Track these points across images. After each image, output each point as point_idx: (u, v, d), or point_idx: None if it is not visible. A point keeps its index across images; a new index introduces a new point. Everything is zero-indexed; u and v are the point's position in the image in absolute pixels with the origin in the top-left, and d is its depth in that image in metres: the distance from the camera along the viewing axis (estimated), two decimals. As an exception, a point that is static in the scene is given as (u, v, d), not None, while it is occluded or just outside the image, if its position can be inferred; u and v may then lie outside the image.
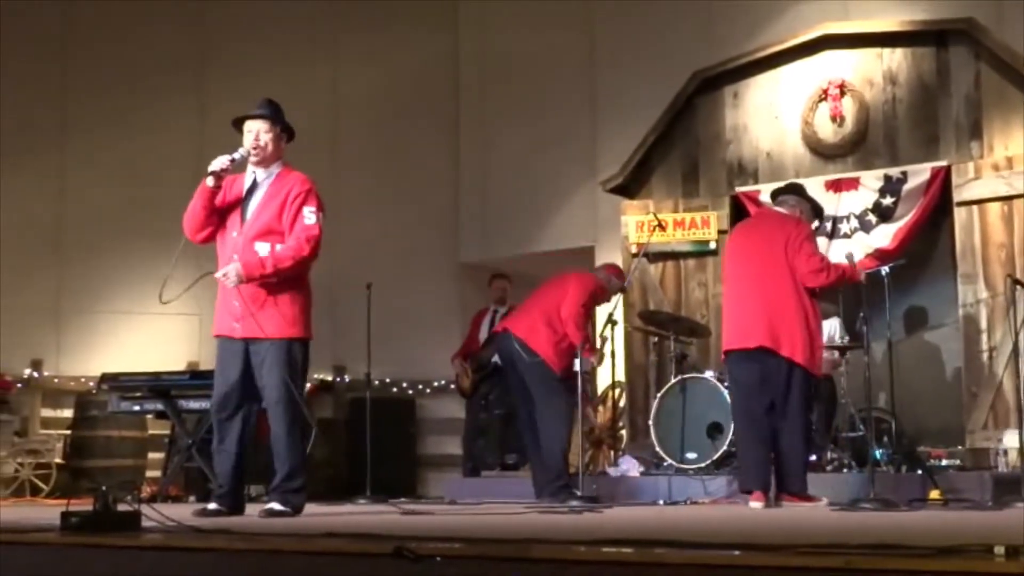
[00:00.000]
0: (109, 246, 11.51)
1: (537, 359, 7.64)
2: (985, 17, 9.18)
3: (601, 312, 8.40)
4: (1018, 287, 7.73)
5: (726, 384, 7.70)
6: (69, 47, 11.79)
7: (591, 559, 2.89)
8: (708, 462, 8.00)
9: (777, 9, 10.96)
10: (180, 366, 10.57)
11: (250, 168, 5.85)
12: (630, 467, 8.47)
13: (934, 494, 6.80)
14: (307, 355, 5.85)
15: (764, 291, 6.82)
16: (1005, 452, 8.19)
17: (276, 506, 5.62)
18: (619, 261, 10.27)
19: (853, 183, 9.24)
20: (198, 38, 12.28)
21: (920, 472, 7.38)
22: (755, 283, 6.87)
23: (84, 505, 4.17)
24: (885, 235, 9.04)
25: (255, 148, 5.78)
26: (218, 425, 5.81)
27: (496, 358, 8.67)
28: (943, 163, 8.98)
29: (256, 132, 5.80)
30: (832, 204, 9.15)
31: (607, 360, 8.74)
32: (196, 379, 8.74)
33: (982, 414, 8.54)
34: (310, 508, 5.84)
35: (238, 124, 5.89)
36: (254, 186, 5.82)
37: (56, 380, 11.34)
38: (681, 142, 10.09)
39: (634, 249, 9.86)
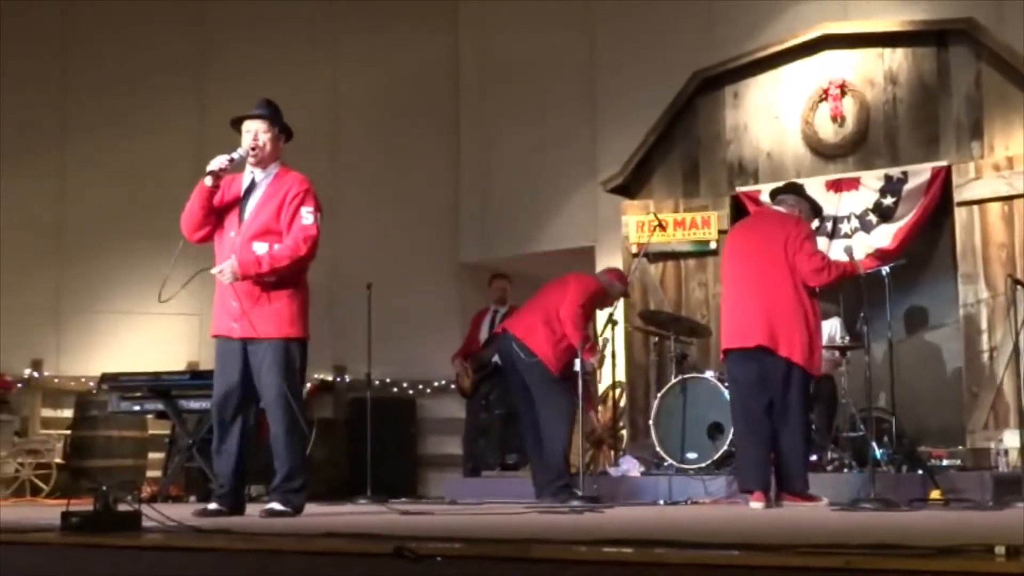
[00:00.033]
0: (109, 246, 11.51)
1: (535, 359, 7.64)
2: (985, 17, 9.18)
3: (602, 312, 8.39)
4: (1019, 287, 7.73)
5: (726, 384, 7.70)
6: (69, 47, 11.79)
7: (591, 559, 2.89)
8: (708, 462, 8.00)
9: (777, 9, 10.95)
10: (180, 366, 10.57)
11: (248, 168, 5.86)
12: (631, 467, 8.47)
13: (935, 494, 6.80)
14: (305, 355, 5.86)
15: (763, 290, 6.81)
16: (1006, 452, 8.19)
17: (277, 506, 5.62)
18: (619, 261, 10.28)
19: (854, 183, 9.24)
20: (198, 38, 12.28)
21: (921, 472, 7.38)
22: (754, 282, 6.87)
23: (84, 505, 4.17)
24: (886, 235, 9.04)
25: (253, 148, 5.78)
26: (218, 425, 5.82)
27: (496, 358, 8.66)
28: (944, 163, 8.98)
29: (254, 132, 5.80)
30: (833, 204, 9.15)
31: (608, 360, 8.73)
32: (196, 379, 8.74)
33: (983, 414, 8.54)
34: (310, 508, 5.84)
35: (236, 124, 5.89)
36: (252, 186, 5.83)
37: (56, 380, 11.34)
38: (681, 142, 10.09)
39: (634, 249, 9.87)
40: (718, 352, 7.89)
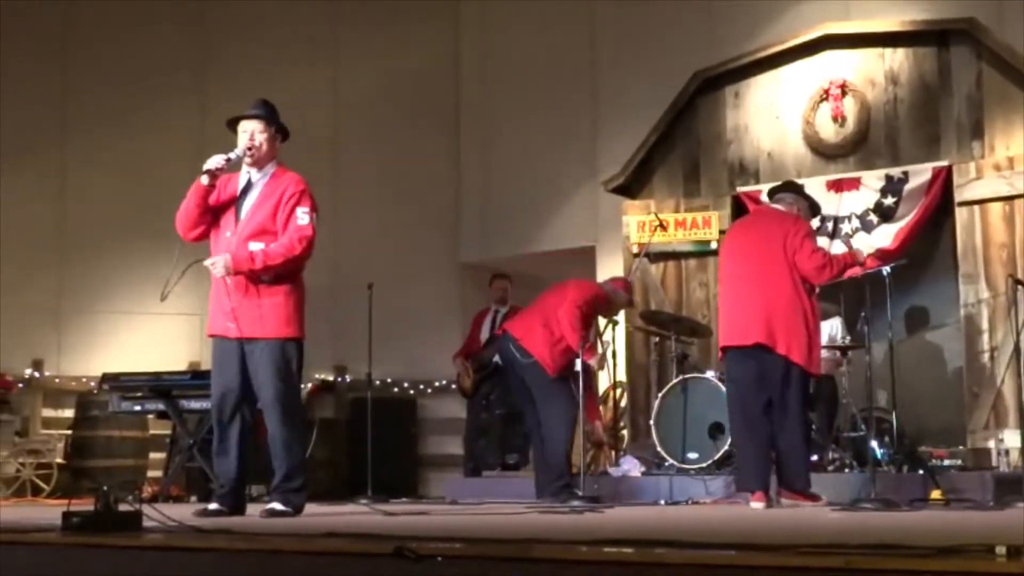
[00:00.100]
0: (110, 246, 11.51)
1: (532, 360, 7.66)
2: (986, 17, 9.18)
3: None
4: (1019, 287, 7.73)
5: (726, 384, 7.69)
6: (69, 47, 11.79)
7: (592, 559, 2.89)
8: (709, 462, 8.00)
9: (778, 9, 10.96)
10: (181, 366, 10.58)
11: (244, 168, 5.86)
12: (631, 467, 8.47)
13: (935, 494, 6.80)
14: (302, 355, 5.85)
15: (762, 288, 6.79)
16: (1006, 452, 8.19)
17: (277, 506, 5.62)
18: (620, 261, 10.29)
19: (854, 183, 9.24)
20: (198, 38, 12.28)
21: (921, 472, 7.38)
22: (753, 280, 6.85)
23: (85, 505, 4.17)
24: (886, 235, 9.04)
25: (250, 148, 5.78)
26: (218, 425, 5.82)
27: (497, 358, 8.67)
28: (944, 163, 8.97)
29: (251, 132, 5.80)
30: (833, 204, 9.15)
31: (608, 359, 8.71)
32: (197, 379, 8.74)
33: (983, 414, 8.54)
34: (309, 508, 5.84)
35: (232, 124, 5.90)
36: (248, 186, 5.83)
37: (57, 380, 11.34)
38: (682, 142, 10.09)
39: (635, 249, 9.86)
40: (719, 352, 7.89)
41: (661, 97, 10.16)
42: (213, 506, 5.69)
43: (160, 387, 8.89)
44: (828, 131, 9.47)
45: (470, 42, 13.24)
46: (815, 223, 7.74)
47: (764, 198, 9.15)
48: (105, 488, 4.05)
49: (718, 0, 11.34)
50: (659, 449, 8.29)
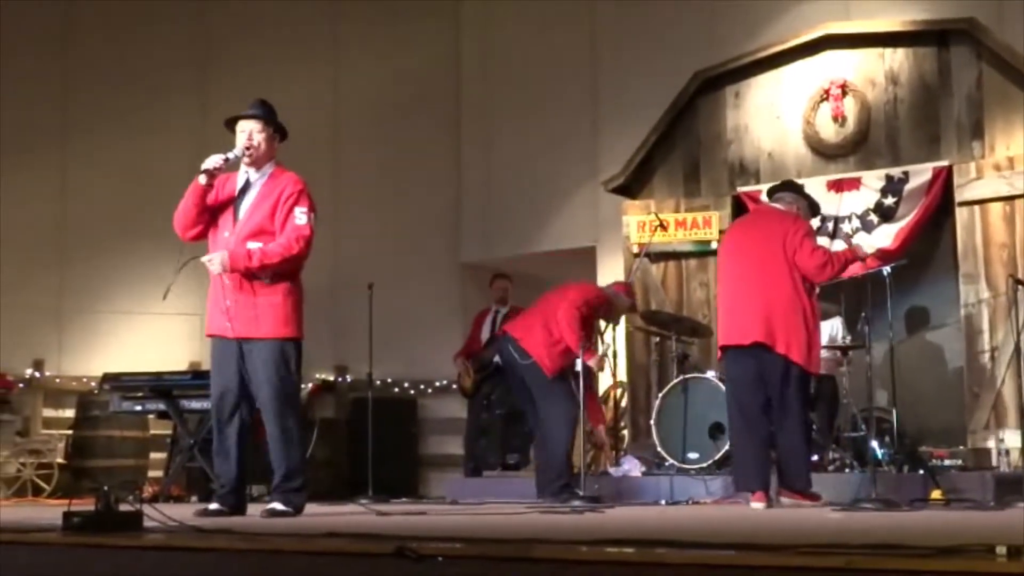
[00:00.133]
0: (111, 246, 11.51)
1: (530, 361, 7.67)
2: (986, 17, 9.18)
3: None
4: (1020, 287, 7.73)
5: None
6: (70, 47, 11.79)
7: (593, 559, 2.89)
8: (710, 462, 8.00)
9: (778, 9, 10.96)
10: (182, 366, 10.57)
11: (243, 168, 5.86)
12: (632, 467, 8.47)
13: (936, 494, 6.80)
14: (300, 355, 5.85)
15: (761, 288, 6.78)
16: (1007, 452, 8.20)
17: (278, 506, 5.62)
18: (621, 261, 10.30)
19: (855, 183, 9.24)
20: (199, 37, 12.29)
21: (922, 472, 7.38)
22: (752, 280, 6.83)
23: (86, 505, 4.17)
24: (887, 235, 9.04)
25: (248, 148, 5.78)
26: (216, 425, 5.83)
27: (497, 358, 8.67)
28: (945, 163, 8.97)
29: (249, 132, 5.80)
30: (834, 204, 9.15)
31: (608, 360, 8.71)
32: (198, 379, 8.73)
33: (984, 414, 8.54)
34: (306, 508, 5.84)
35: (231, 124, 5.90)
36: (247, 186, 5.83)
37: (58, 380, 11.35)
38: (682, 142, 10.09)
39: (636, 249, 9.86)
40: (718, 351, 7.88)
41: (661, 97, 10.16)
42: (214, 506, 5.69)
43: (161, 387, 8.90)
44: (828, 131, 9.47)
45: (470, 42, 13.24)
46: (815, 223, 7.73)
47: (764, 198, 9.16)
48: (106, 488, 4.05)
49: (718, 0, 11.34)
50: (659, 449, 8.30)
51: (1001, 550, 2.56)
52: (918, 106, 9.21)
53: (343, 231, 11.97)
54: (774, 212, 7.19)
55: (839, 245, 8.73)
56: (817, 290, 6.99)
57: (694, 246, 9.81)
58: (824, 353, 8.04)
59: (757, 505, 6.58)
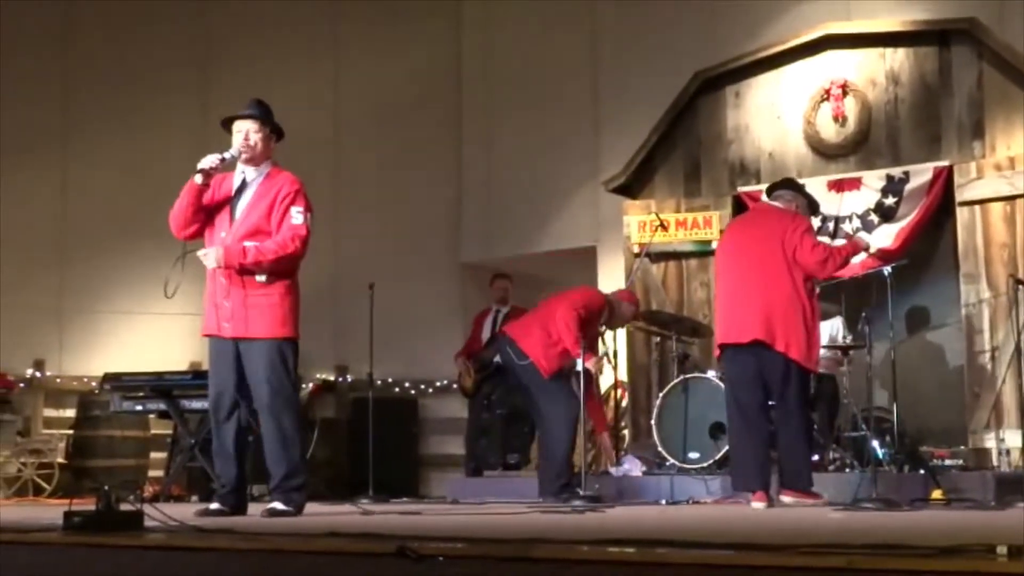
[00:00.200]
0: (111, 246, 11.51)
1: (527, 361, 7.68)
2: (987, 17, 9.18)
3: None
4: (1020, 287, 7.73)
5: (726, 383, 7.69)
6: (70, 46, 11.79)
7: (594, 559, 2.89)
8: (710, 462, 8.00)
9: (779, 9, 10.95)
10: (182, 366, 10.56)
11: (239, 167, 5.87)
12: (632, 467, 8.46)
13: (936, 494, 6.80)
14: (296, 355, 5.85)
15: (760, 286, 6.75)
16: (1007, 452, 8.20)
17: (278, 506, 5.62)
18: (621, 261, 10.30)
19: (855, 183, 9.24)
20: (199, 37, 12.28)
21: (922, 472, 7.38)
22: (751, 278, 6.80)
23: (87, 505, 4.17)
24: (887, 235, 9.04)
25: (245, 148, 5.79)
26: (215, 425, 5.84)
27: (498, 358, 8.68)
28: (945, 163, 8.97)
29: (246, 132, 5.81)
30: (834, 204, 9.15)
31: (607, 362, 8.71)
32: (198, 379, 8.73)
33: (984, 414, 8.54)
34: (309, 508, 5.84)
35: (227, 124, 5.90)
36: (243, 186, 5.84)
37: (58, 380, 11.35)
38: (683, 142, 10.09)
39: (636, 249, 9.86)
40: (716, 350, 7.88)
41: (662, 97, 10.16)
42: (214, 506, 5.70)
43: (161, 387, 8.90)
44: (829, 131, 9.47)
45: (471, 42, 13.24)
46: (815, 222, 7.73)
47: (765, 198, 9.16)
48: (106, 488, 4.05)
49: (719, 0, 11.34)
50: (660, 449, 8.30)
51: (1002, 550, 2.56)
52: (919, 106, 9.21)
53: (344, 231, 11.97)
54: (773, 210, 7.18)
55: (840, 243, 8.73)
56: (817, 290, 6.99)
57: (695, 246, 9.81)
58: (825, 353, 8.04)
59: (758, 505, 6.58)
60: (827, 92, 9.46)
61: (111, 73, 11.77)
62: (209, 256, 5.69)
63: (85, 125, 11.66)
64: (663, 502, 7.55)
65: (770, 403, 6.86)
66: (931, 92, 9.17)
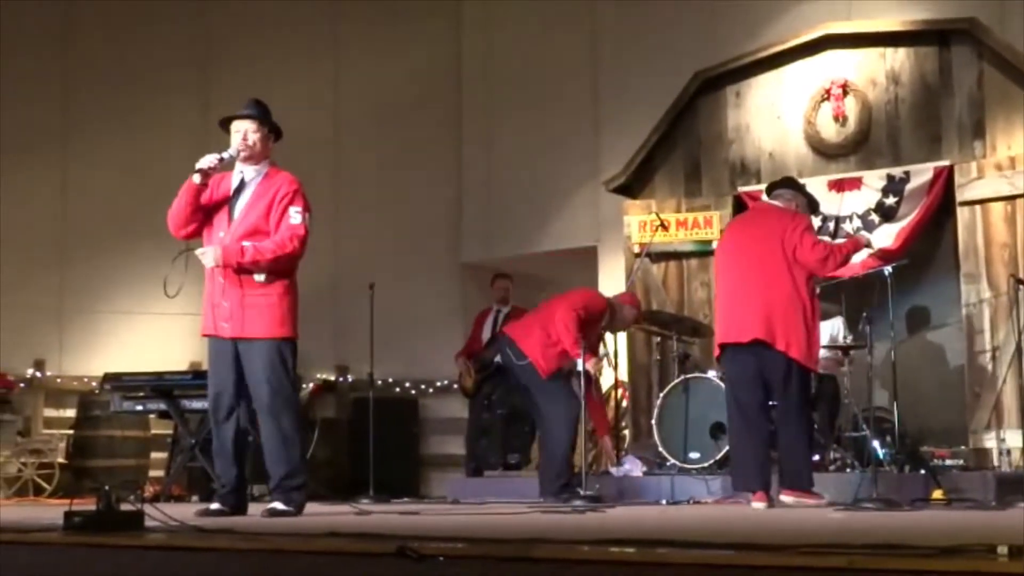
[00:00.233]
0: (112, 246, 11.51)
1: (525, 361, 7.69)
2: (987, 17, 9.18)
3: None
4: (1021, 287, 7.73)
5: (727, 383, 7.68)
6: (70, 46, 11.79)
7: (594, 559, 2.89)
8: (711, 462, 8.00)
9: (779, 9, 10.95)
10: (183, 366, 10.57)
11: (238, 167, 5.87)
12: (633, 467, 8.46)
13: (937, 494, 6.79)
14: (295, 355, 5.85)
15: (760, 285, 6.73)
16: (1008, 452, 8.19)
17: (279, 505, 5.62)
18: (621, 261, 10.29)
19: (856, 183, 9.24)
20: (200, 37, 12.28)
21: (923, 472, 7.37)
22: (751, 277, 6.78)
23: (87, 505, 4.17)
24: (888, 235, 9.03)
25: (243, 148, 5.79)
26: (215, 425, 5.84)
27: (498, 358, 8.68)
28: (946, 163, 8.97)
29: (244, 132, 5.81)
30: (835, 204, 9.15)
31: (610, 356, 8.71)
32: (199, 379, 8.72)
33: (985, 414, 8.54)
34: (309, 508, 5.84)
35: (225, 124, 5.91)
36: (242, 185, 5.84)
37: (59, 380, 11.35)
38: (683, 142, 10.09)
39: (636, 249, 9.86)
40: (715, 349, 7.88)
41: (662, 97, 10.16)
42: (215, 506, 5.70)
43: (162, 387, 8.91)
44: (829, 131, 9.47)
45: (471, 42, 13.24)
46: (816, 222, 7.72)
47: (765, 198, 9.16)
48: (107, 488, 4.05)
49: (719, 0, 11.34)
50: (661, 449, 8.29)
51: (1002, 550, 2.56)
52: (919, 106, 9.21)
53: (344, 231, 11.97)
54: (772, 209, 7.16)
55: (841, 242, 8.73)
56: (818, 290, 6.98)
57: (695, 246, 9.81)
58: (825, 353, 8.04)
59: (758, 505, 6.57)
60: (827, 92, 9.46)
61: (111, 73, 11.77)
62: (207, 255, 5.70)
63: (85, 125, 11.66)
64: (664, 502, 7.55)
65: (771, 403, 6.85)
66: (931, 92, 9.17)
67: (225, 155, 5.78)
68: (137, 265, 11.02)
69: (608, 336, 8.59)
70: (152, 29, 11.96)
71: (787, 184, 7.36)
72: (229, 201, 5.81)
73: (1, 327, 10.71)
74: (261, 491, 7.59)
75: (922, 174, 9.02)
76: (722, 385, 7.91)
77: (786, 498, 6.68)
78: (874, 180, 9.16)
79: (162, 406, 9.01)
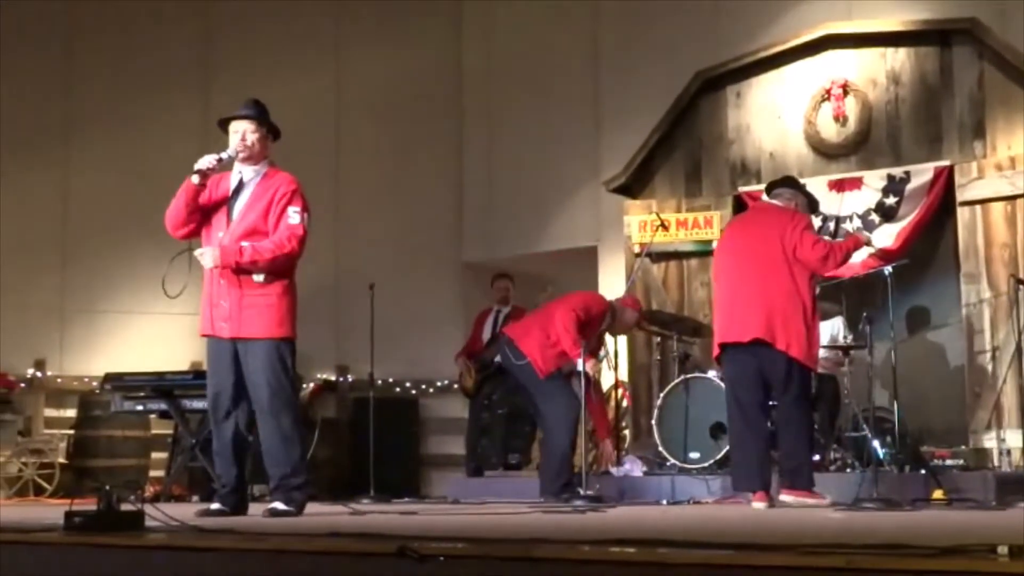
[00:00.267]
0: (113, 245, 11.50)
1: (524, 361, 7.69)
2: (988, 17, 9.18)
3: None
4: (1021, 287, 7.73)
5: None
6: (72, 46, 11.79)
7: (595, 559, 2.89)
8: (711, 462, 8.00)
9: (780, 9, 10.95)
10: (183, 366, 10.55)
11: (236, 167, 5.87)
12: (633, 467, 8.46)
13: (937, 494, 6.80)
14: (294, 355, 5.85)
15: (760, 284, 6.72)
16: (1008, 452, 8.19)
17: (279, 505, 5.62)
18: (622, 261, 10.29)
19: (856, 183, 9.24)
20: (202, 37, 12.28)
21: (923, 472, 7.37)
22: (751, 276, 6.77)
23: (87, 505, 4.17)
24: (888, 235, 9.04)
25: (242, 148, 5.79)
26: (214, 425, 5.84)
27: (499, 358, 8.68)
28: (946, 163, 8.98)
29: (242, 133, 5.81)
30: (835, 204, 9.16)
31: (610, 357, 8.71)
32: (199, 379, 8.70)
33: (985, 414, 8.54)
34: (310, 508, 5.84)
35: (223, 125, 5.91)
36: (240, 186, 5.84)
37: (59, 380, 11.34)
38: (684, 142, 10.09)
39: (637, 249, 9.86)
40: (715, 349, 7.88)
41: (663, 97, 10.17)
42: (215, 506, 5.70)
43: (162, 387, 8.91)
44: (830, 131, 9.48)
45: (473, 41, 13.24)
46: (816, 222, 7.72)
47: (766, 198, 9.16)
48: (107, 488, 4.05)
49: (720, 0, 11.34)
50: (661, 449, 8.30)
51: (1003, 550, 2.56)
52: (920, 106, 9.21)
53: (344, 231, 11.97)
54: (772, 208, 7.15)
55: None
56: (818, 290, 6.97)
57: (695, 246, 9.82)
58: (825, 353, 8.04)
59: (759, 505, 6.56)
60: (828, 92, 9.47)
61: (113, 73, 11.77)
62: (206, 256, 5.70)
63: (87, 124, 11.66)
64: (664, 502, 7.56)
65: (771, 403, 6.85)
66: (932, 92, 9.17)
67: (224, 155, 5.78)
68: (138, 265, 11.01)
69: (608, 337, 8.59)
70: (153, 29, 11.96)
71: (787, 183, 7.35)
72: (228, 201, 5.81)
73: (2, 327, 10.71)
74: (262, 491, 7.59)
75: (922, 174, 9.02)
76: (722, 385, 7.89)
77: (786, 498, 6.67)
78: (874, 180, 9.17)
79: (163, 406, 9.02)
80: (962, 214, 8.86)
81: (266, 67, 11.80)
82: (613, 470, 8.51)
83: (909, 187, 9.02)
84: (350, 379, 12.20)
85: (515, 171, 12.66)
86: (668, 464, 8.25)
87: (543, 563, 2.87)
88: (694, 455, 8.10)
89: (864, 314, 7.59)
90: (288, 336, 5.78)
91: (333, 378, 12.27)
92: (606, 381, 9.68)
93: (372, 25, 12.83)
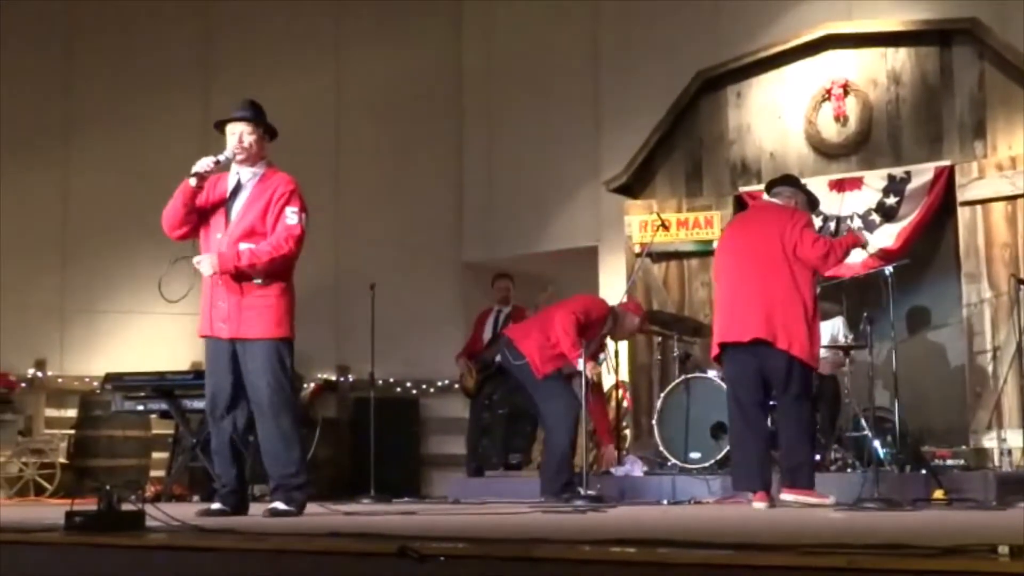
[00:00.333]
0: (113, 245, 11.50)
1: (522, 361, 7.70)
2: (989, 17, 9.18)
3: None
4: (1021, 287, 7.73)
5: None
6: (72, 46, 11.79)
7: (595, 559, 2.89)
8: (712, 462, 8.00)
9: (780, 9, 10.95)
10: (184, 366, 10.55)
11: (234, 168, 5.87)
12: (634, 467, 8.46)
13: (938, 494, 6.80)
14: (292, 355, 5.85)
15: (761, 283, 6.70)
16: (1009, 452, 8.19)
17: (280, 505, 5.62)
18: (622, 261, 10.30)
19: (856, 183, 9.24)
20: (202, 36, 12.28)
21: (924, 472, 7.38)
22: (751, 275, 6.75)
23: (88, 505, 4.17)
24: (889, 235, 9.04)
25: (239, 150, 5.79)
26: (213, 425, 5.84)
27: (499, 358, 8.69)
28: (947, 163, 8.98)
29: (240, 134, 5.81)
30: (836, 204, 9.16)
31: (610, 359, 8.71)
32: (200, 379, 8.66)
33: (986, 414, 8.54)
34: (310, 508, 5.84)
35: (220, 126, 5.91)
36: (238, 187, 5.84)
37: (60, 380, 11.34)
38: (684, 142, 10.09)
39: (637, 249, 9.87)
40: (715, 349, 7.87)
41: (663, 97, 10.17)
42: (216, 506, 5.70)
43: (163, 387, 8.91)
44: (830, 131, 9.48)
45: (473, 41, 13.24)
46: (816, 222, 7.72)
47: (766, 197, 9.15)
48: (108, 488, 4.05)
49: (720, 0, 11.34)
50: (661, 449, 8.30)
51: (1003, 550, 2.56)
52: (920, 106, 9.21)
53: (345, 231, 11.97)
54: (772, 207, 7.14)
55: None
56: (818, 289, 6.97)
57: (696, 246, 9.82)
58: (826, 353, 8.03)
59: (759, 505, 6.55)
60: (828, 92, 9.47)
61: (113, 73, 11.77)
62: (204, 263, 5.70)
63: (87, 124, 11.66)
64: (665, 502, 7.56)
65: (771, 402, 6.84)
66: (932, 92, 9.17)
67: (221, 157, 5.78)
68: (138, 265, 11.00)
69: (610, 340, 8.58)
70: (153, 29, 11.96)
71: (786, 182, 7.33)
72: (226, 202, 5.81)
73: (2, 327, 10.71)
74: (262, 491, 7.59)
75: (923, 174, 9.02)
76: (723, 385, 7.89)
77: (787, 497, 6.66)
78: (875, 180, 9.17)
79: (163, 406, 9.02)
80: (962, 214, 8.86)
81: (266, 67, 11.80)
82: (614, 470, 8.51)
83: (910, 187, 9.02)
84: (351, 379, 12.20)
85: (515, 171, 12.66)
86: (669, 464, 8.25)
87: (543, 563, 2.87)
88: (695, 455, 8.10)
89: (864, 314, 7.59)
90: (287, 336, 5.78)
91: (334, 378, 12.27)
92: (606, 382, 9.69)
93: (372, 25, 12.83)
